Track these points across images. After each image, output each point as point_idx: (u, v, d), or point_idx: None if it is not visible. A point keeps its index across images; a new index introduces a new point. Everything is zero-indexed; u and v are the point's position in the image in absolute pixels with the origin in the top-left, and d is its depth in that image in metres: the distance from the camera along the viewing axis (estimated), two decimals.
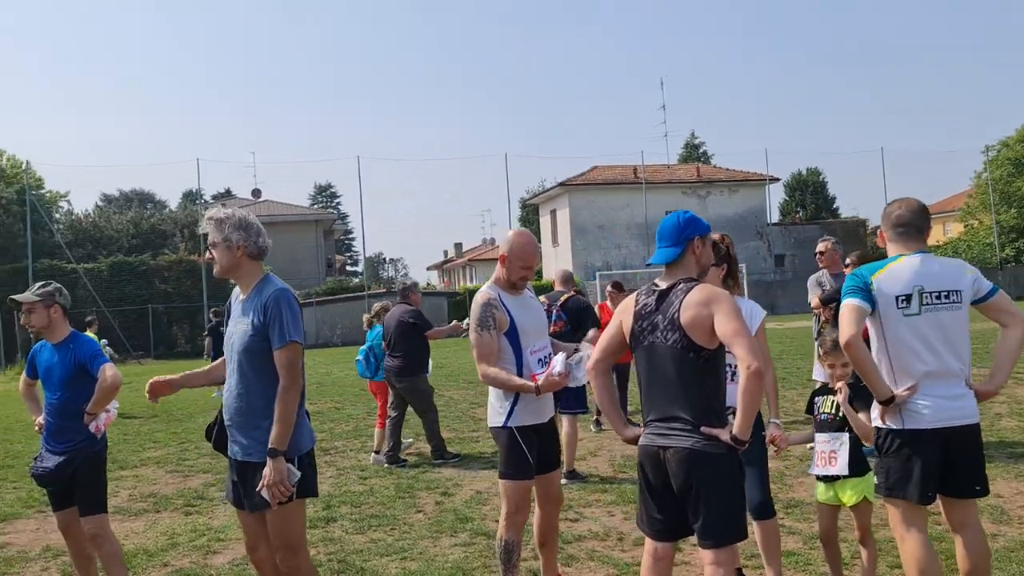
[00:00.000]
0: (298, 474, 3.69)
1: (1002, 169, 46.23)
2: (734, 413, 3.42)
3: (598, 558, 5.49)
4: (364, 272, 50.54)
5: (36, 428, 4.95)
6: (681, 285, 3.59)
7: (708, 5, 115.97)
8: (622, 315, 3.78)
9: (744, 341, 3.33)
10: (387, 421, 9.10)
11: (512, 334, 4.50)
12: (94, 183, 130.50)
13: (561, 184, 43.09)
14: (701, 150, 59.86)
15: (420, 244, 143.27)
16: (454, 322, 9.52)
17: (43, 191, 43.19)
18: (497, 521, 6.46)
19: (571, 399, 7.73)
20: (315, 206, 67.60)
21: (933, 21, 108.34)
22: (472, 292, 42.15)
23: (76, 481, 4.78)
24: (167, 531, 6.75)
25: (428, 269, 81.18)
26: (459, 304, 41.08)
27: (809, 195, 61.82)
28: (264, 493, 3.63)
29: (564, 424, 7.78)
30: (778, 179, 49.22)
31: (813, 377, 8.08)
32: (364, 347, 9.69)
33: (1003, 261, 44.98)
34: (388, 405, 9.26)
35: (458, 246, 75.94)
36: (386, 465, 8.87)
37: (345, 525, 6.62)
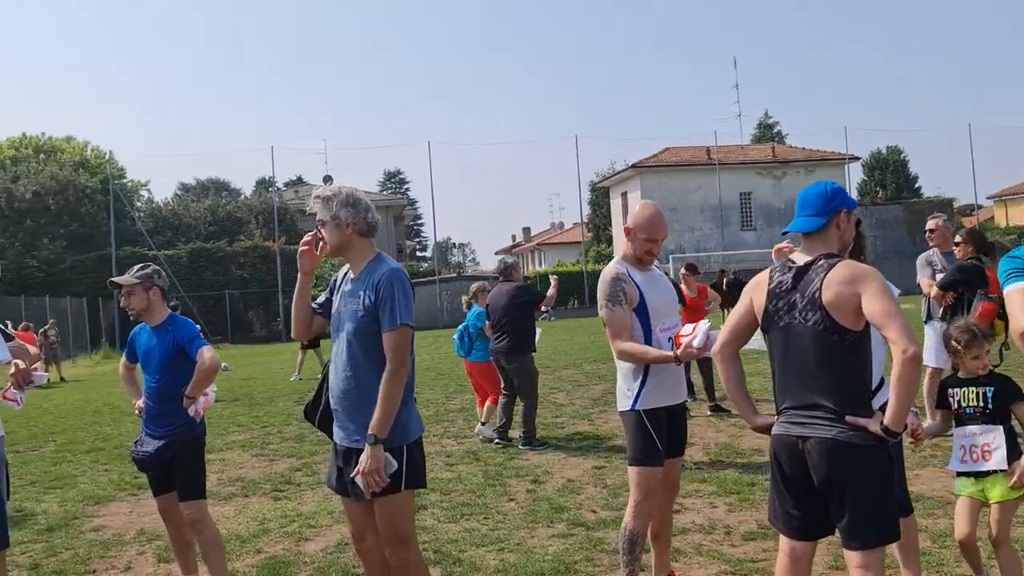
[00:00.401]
0: (395, 464, 3.47)
1: None
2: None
3: (707, 553, 5.19)
4: (435, 257, 50.67)
5: (136, 411, 4.89)
6: (822, 261, 3.26)
7: None
8: (753, 293, 3.46)
9: (898, 323, 3.00)
10: (501, 399, 8.98)
11: (642, 311, 4.27)
12: (171, 172, 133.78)
13: (633, 166, 42.51)
14: (775, 130, 58.41)
15: (487, 229, 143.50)
16: (554, 279, 9.49)
17: (125, 180, 44.35)
18: (594, 512, 6.29)
19: None
20: (384, 192, 68.09)
21: None
22: (544, 276, 42.05)
23: (176, 465, 4.71)
24: (257, 516, 6.68)
25: (496, 254, 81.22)
26: (532, 287, 40.87)
27: (889, 174, 59.85)
28: (358, 481, 3.44)
29: None
30: (858, 158, 47.77)
31: (924, 363, 7.63)
32: (461, 327, 9.67)
33: None
34: (502, 385, 9.11)
35: (526, 230, 75.79)
36: (496, 441, 8.86)
37: (436, 513, 6.45)
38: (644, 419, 4.25)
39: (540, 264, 62.23)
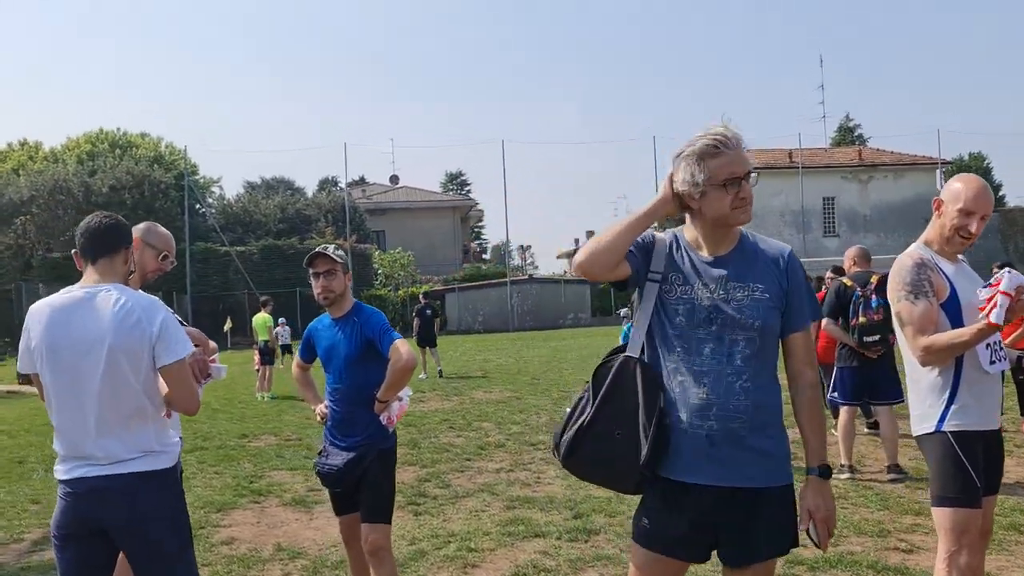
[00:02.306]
0: None
1: None
2: None
3: None
4: (505, 258, 49.88)
5: (318, 419, 4.18)
6: None
7: None
8: None
9: None
10: None
11: (952, 307, 3.33)
12: (240, 170, 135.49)
13: None
14: (856, 133, 56.48)
15: (547, 231, 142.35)
16: None
17: (197, 177, 44.49)
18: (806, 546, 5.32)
19: (889, 386, 6.84)
20: (447, 194, 67.72)
21: None
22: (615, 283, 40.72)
23: (364, 482, 3.97)
24: (404, 535, 5.88)
25: (558, 258, 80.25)
26: (602, 292, 39.94)
27: None
28: (812, 533, 2.55)
29: (882, 417, 7.01)
30: (950, 162, 45.76)
31: None
32: (627, 326, 8.91)
33: None
34: None
35: (590, 233, 74.57)
36: None
37: (611, 539, 5.61)
38: (954, 445, 3.33)
39: None
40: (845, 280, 7.02)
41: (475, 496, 6.93)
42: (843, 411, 7.02)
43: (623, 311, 36.67)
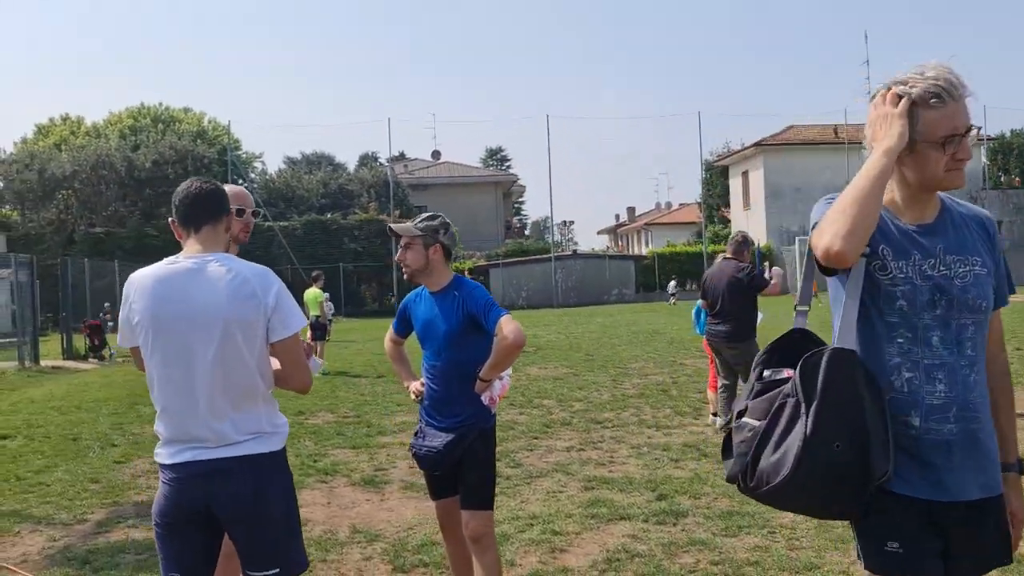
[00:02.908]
0: None
1: None
2: None
3: None
4: (547, 233, 49.57)
5: (413, 396, 3.94)
6: None
7: None
8: None
9: None
10: (720, 390, 7.92)
11: None
12: (280, 146, 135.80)
13: (756, 144, 40.54)
14: None
15: (587, 207, 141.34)
16: (775, 268, 8.09)
17: (240, 152, 44.62)
18: None
19: None
20: (488, 169, 67.40)
21: None
22: (663, 256, 40.63)
23: (464, 466, 3.74)
24: None
25: (598, 233, 79.86)
26: (646, 268, 39.52)
27: (1013, 159, 55.91)
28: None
29: None
30: (996, 138, 44.55)
31: None
32: (699, 302, 8.73)
33: None
34: (717, 372, 8.08)
35: (631, 210, 74.01)
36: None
37: (702, 523, 5.35)
38: None
39: (646, 244, 60.57)
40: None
41: (549, 476, 6.71)
42: None
43: (671, 286, 36.43)
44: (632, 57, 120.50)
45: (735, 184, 44.56)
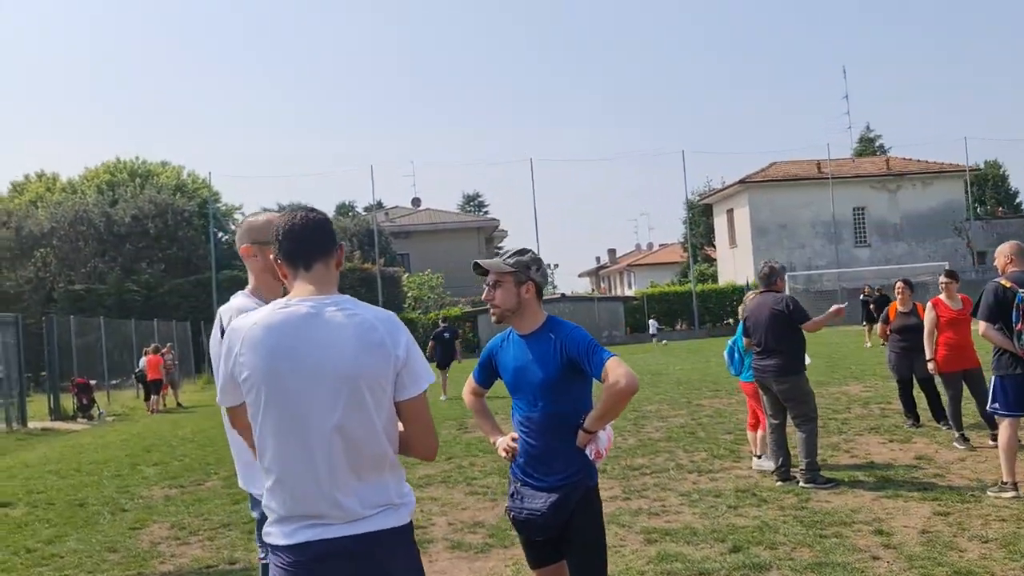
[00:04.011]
0: None
1: None
2: None
3: None
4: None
5: (503, 454, 3.52)
6: None
7: None
8: None
9: None
10: (769, 431, 7.54)
11: None
12: (258, 197, 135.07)
13: (741, 181, 40.70)
14: (878, 143, 55.82)
15: (567, 251, 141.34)
16: (835, 306, 7.71)
17: (220, 204, 44.17)
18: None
19: (1016, 397, 6.26)
20: (469, 214, 67.29)
21: None
22: (651, 296, 40.33)
23: (572, 530, 3.34)
24: None
25: (580, 276, 79.73)
26: (635, 308, 39.31)
27: (988, 189, 56.70)
28: None
29: (1006, 427, 6.39)
30: (978, 169, 45.13)
31: None
32: (731, 341, 8.39)
33: None
34: (764, 412, 7.71)
35: (611, 252, 74.12)
36: (778, 483, 7.37)
37: (787, 574, 4.97)
38: None
39: (630, 286, 60.48)
40: (1003, 281, 6.38)
41: None
42: (1005, 424, 6.37)
43: (653, 326, 36.09)
44: (606, 99, 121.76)
45: (720, 222, 44.66)
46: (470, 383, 3.75)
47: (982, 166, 55.92)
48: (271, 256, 2.51)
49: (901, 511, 6.21)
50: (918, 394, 9.87)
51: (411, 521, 2.41)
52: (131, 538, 7.08)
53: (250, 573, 5.85)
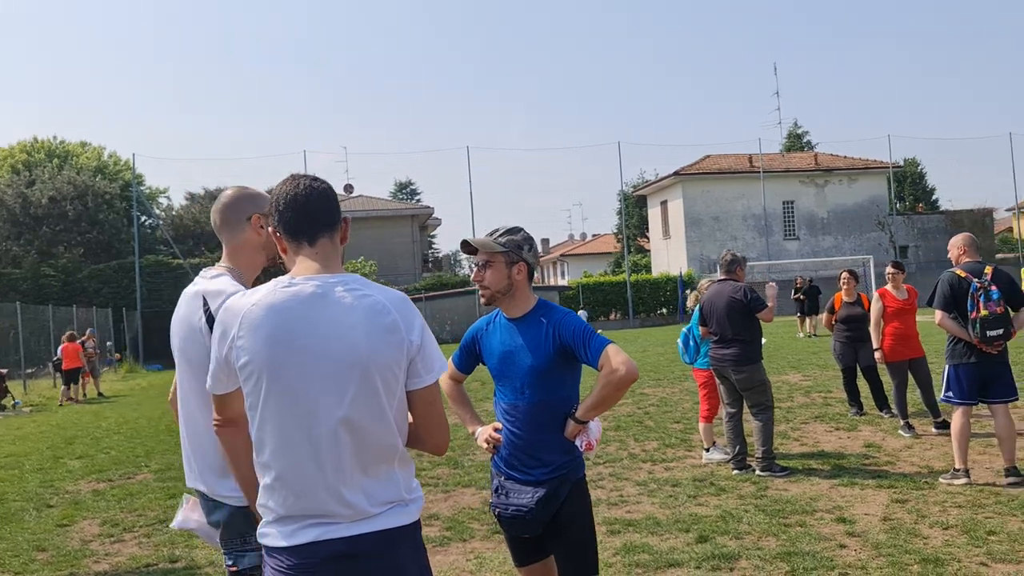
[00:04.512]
0: None
1: None
2: None
3: None
4: (455, 267, 49.00)
5: (485, 446, 3.28)
6: None
7: None
8: None
9: None
10: (726, 420, 7.46)
11: None
12: (181, 181, 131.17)
13: (675, 174, 41.05)
14: (805, 140, 57.01)
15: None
16: (768, 284, 7.75)
17: (143, 187, 42.71)
18: (987, 565, 4.62)
19: (1005, 384, 6.34)
20: (403, 202, 66.52)
21: None
22: (586, 286, 40.41)
23: (560, 525, 3.15)
24: (512, 571, 5.07)
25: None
26: (570, 299, 39.37)
27: (907, 187, 58.56)
28: None
29: (999, 416, 6.39)
30: (901, 166, 46.45)
31: None
32: (685, 329, 8.24)
33: None
34: (721, 400, 7.63)
35: (544, 242, 74.22)
36: (734, 471, 7.31)
37: (760, 565, 4.88)
38: None
39: (563, 276, 60.70)
40: (958, 271, 6.41)
41: None
42: (959, 412, 6.41)
43: (583, 314, 36.16)
44: (541, 90, 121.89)
45: (654, 214, 45.03)
46: (450, 368, 3.50)
47: (896, 164, 57.86)
48: (271, 230, 2.23)
49: (859, 499, 6.20)
50: (861, 383, 9.98)
51: (419, 519, 2.18)
52: (60, 536, 6.65)
53: (193, 572, 5.52)
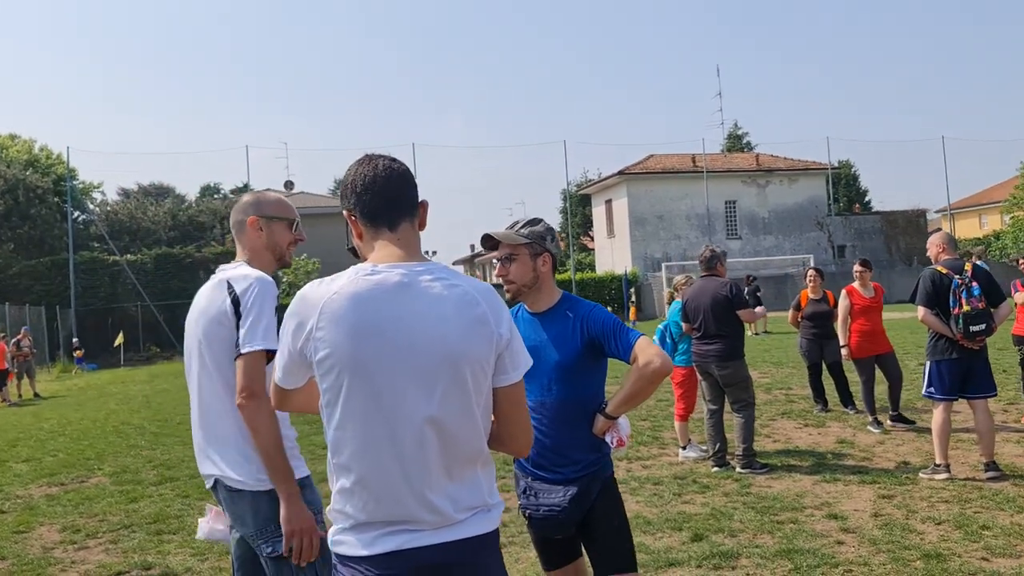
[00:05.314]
0: None
1: None
2: None
3: None
4: None
5: None
6: None
7: None
8: None
9: None
10: (707, 416, 7.42)
11: None
12: (116, 176, 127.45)
13: (620, 173, 41.27)
14: (745, 140, 57.97)
15: (442, 238, 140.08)
16: (759, 307, 7.81)
17: (77, 182, 41.34)
18: (987, 559, 4.66)
19: (984, 379, 6.40)
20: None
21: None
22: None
23: (592, 524, 3.04)
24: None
25: (455, 263, 79.40)
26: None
27: (841, 188, 60.08)
28: None
29: (978, 411, 6.44)
30: (839, 168, 47.47)
31: None
32: (661, 325, 8.16)
33: None
34: (703, 397, 7.59)
35: (486, 238, 73.98)
36: (714, 468, 7.28)
37: (762, 563, 4.83)
38: None
39: None
40: (939, 268, 6.47)
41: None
42: (940, 408, 6.47)
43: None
44: (486, 88, 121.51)
45: (598, 212, 45.22)
46: None
47: (836, 165, 59.25)
48: (346, 214, 2.06)
49: (845, 495, 6.21)
50: (827, 380, 10.08)
51: (499, 526, 2.04)
52: (18, 543, 6.30)
53: None
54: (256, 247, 2.90)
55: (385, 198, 1.99)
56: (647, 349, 2.94)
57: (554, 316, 3.11)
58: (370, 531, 1.87)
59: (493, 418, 2.03)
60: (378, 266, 1.92)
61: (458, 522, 1.89)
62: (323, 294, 1.89)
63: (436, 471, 1.87)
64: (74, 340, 30.32)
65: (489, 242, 3.15)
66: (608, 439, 3.11)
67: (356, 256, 2.28)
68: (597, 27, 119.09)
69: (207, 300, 2.77)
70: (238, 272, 2.77)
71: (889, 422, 8.69)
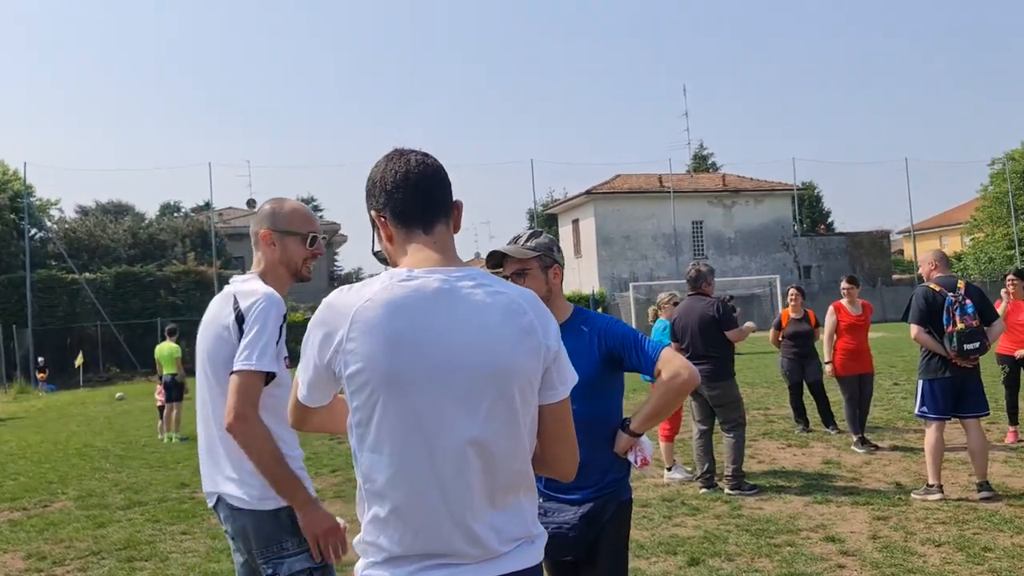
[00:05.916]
0: None
1: (1009, 182, 44.99)
2: None
3: None
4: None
5: None
6: None
7: (730, 12, 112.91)
8: None
9: None
10: (696, 437, 7.29)
11: None
12: (73, 194, 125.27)
13: (587, 192, 41.35)
14: (710, 161, 58.53)
15: None
16: (748, 323, 7.73)
17: (33, 198, 40.44)
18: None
19: (977, 398, 6.37)
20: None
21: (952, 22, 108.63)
22: None
23: (599, 547, 2.89)
24: None
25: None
26: None
27: (804, 209, 60.91)
28: None
29: (971, 431, 6.40)
30: (804, 189, 48.02)
31: None
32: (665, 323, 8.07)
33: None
34: (693, 418, 7.45)
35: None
36: (702, 490, 7.16)
37: None
38: None
39: None
40: (932, 285, 6.43)
41: None
42: (932, 427, 6.40)
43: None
44: (447, 105, 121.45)
45: (565, 232, 45.23)
46: None
47: (802, 186, 60.00)
48: (374, 215, 1.89)
49: (839, 516, 6.10)
50: (808, 399, 10.02)
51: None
52: None
53: None
54: (270, 261, 2.81)
55: (419, 196, 1.82)
56: (672, 361, 2.82)
57: (568, 331, 2.95)
58: (406, 565, 1.69)
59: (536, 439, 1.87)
60: (414, 271, 1.74)
61: (502, 555, 1.71)
62: (354, 301, 1.70)
63: (479, 498, 1.69)
64: (39, 360, 29.57)
65: (494, 259, 3.00)
66: (631, 458, 2.96)
67: (384, 263, 2.11)
68: (563, 47, 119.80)
69: (213, 313, 2.71)
70: (247, 287, 2.68)
71: (854, 448, 8.53)
